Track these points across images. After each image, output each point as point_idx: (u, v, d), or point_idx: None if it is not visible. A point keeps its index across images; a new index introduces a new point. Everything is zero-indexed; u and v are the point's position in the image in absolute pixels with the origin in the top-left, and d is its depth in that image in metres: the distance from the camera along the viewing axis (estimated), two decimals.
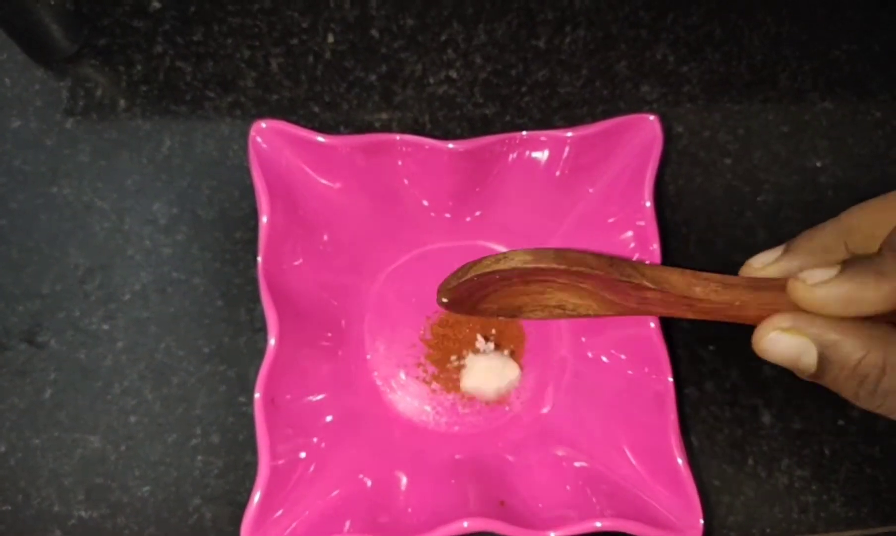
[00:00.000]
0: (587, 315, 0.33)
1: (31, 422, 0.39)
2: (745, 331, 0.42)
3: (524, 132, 0.37)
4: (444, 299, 0.34)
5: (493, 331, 0.40)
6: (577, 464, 0.37)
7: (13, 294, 0.40)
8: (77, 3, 0.44)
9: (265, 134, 0.36)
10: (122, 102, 0.43)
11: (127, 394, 0.39)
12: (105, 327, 0.40)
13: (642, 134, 0.36)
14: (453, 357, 0.40)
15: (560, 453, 0.37)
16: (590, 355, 0.39)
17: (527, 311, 0.34)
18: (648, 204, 0.36)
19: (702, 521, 0.33)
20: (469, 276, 0.32)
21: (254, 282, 0.41)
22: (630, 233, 0.37)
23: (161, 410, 0.39)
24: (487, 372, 0.38)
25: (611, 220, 0.38)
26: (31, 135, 0.43)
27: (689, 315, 0.32)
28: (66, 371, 0.39)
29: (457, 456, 0.38)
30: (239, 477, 0.38)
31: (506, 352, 0.40)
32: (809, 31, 0.47)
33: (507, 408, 0.39)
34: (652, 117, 0.36)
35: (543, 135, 0.37)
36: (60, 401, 0.39)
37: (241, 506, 0.38)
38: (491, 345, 0.40)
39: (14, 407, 0.39)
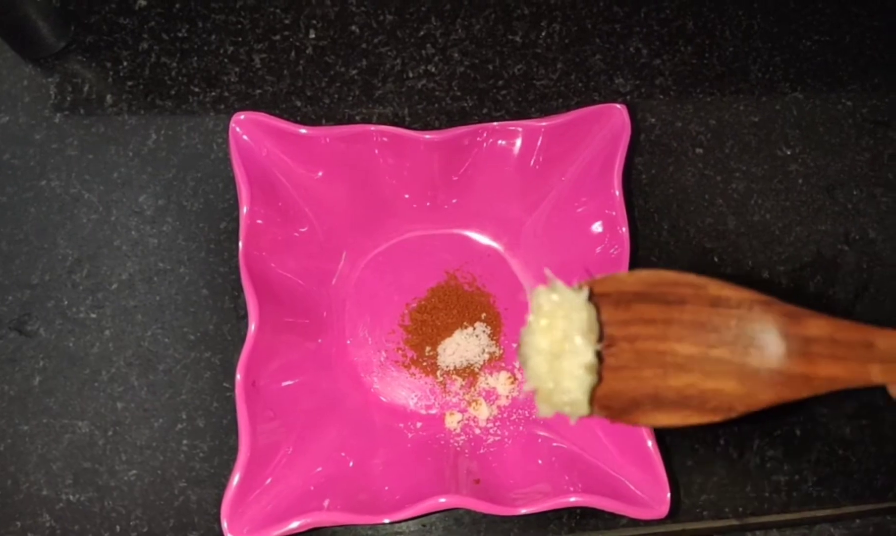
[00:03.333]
0: (723, 417, 0.26)
1: (20, 409, 0.40)
2: None
3: (496, 123, 0.38)
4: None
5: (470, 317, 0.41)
6: (550, 443, 0.38)
7: (2, 285, 0.41)
8: (64, 0, 0.45)
9: (245, 125, 0.37)
10: (108, 98, 0.44)
11: (114, 381, 0.40)
12: (93, 315, 0.41)
13: (612, 122, 0.37)
14: (428, 348, 0.41)
15: (533, 432, 0.38)
16: None
17: (644, 409, 0.26)
18: (618, 191, 0.37)
19: (668, 495, 0.34)
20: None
21: (238, 271, 0.42)
22: (601, 219, 0.38)
23: (147, 396, 0.40)
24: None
25: (581, 208, 0.39)
26: (20, 130, 0.44)
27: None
28: (54, 359, 0.40)
29: (433, 437, 0.39)
30: (224, 461, 0.39)
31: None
32: (780, 23, 0.49)
33: (483, 390, 0.40)
34: (620, 106, 0.37)
35: (516, 124, 0.38)
36: (49, 388, 0.40)
37: (226, 488, 0.39)
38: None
39: (4, 394, 0.40)
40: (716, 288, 0.25)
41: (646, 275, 0.26)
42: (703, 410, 0.25)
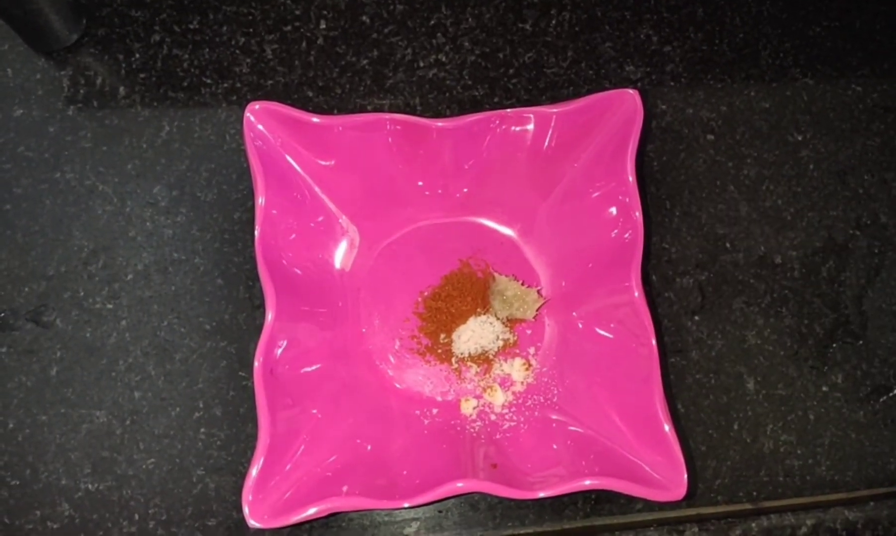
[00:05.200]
0: None
1: (38, 399, 0.40)
2: (729, 302, 0.43)
3: (509, 110, 0.38)
4: None
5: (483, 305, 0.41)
6: (566, 427, 0.38)
7: (19, 276, 0.42)
8: None
9: (259, 115, 0.37)
10: (121, 90, 0.44)
11: (131, 370, 0.40)
12: (109, 306, 0.41)
13: (624, 108, 0.38)
14: (442, 336, 0.41)
15: (549, 417, 0.39)
16: (579, 324, 0.40)
17: None
18: (631, 177, 0.37)
19: (686, 477, 0.34)
20: None
21: (252, 261, 0.42)
22: (615, 205, 0.38)
23: (164, 385, 0.40)
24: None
25: (597, 192, 0.39)
26: (34, 123, 0.44)
27: None
28: (71, 349, 0.41)
29: (449, 423, 0.39)
30: (241, 449, 0.40)
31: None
32: (790, 9, 0.49)
33: (498, 376, 0.41)
34: (632, 91, 0.37)
35: (528, 111, 0.38)
36: (67, 378, 0.40)
37: (244, 476, 0.39)
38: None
39: (22, 385, 0.40)
40: None
41: None
42: None
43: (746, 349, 0.43)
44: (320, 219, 0.40)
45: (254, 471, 0.33)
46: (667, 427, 0.35)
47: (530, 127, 0.39)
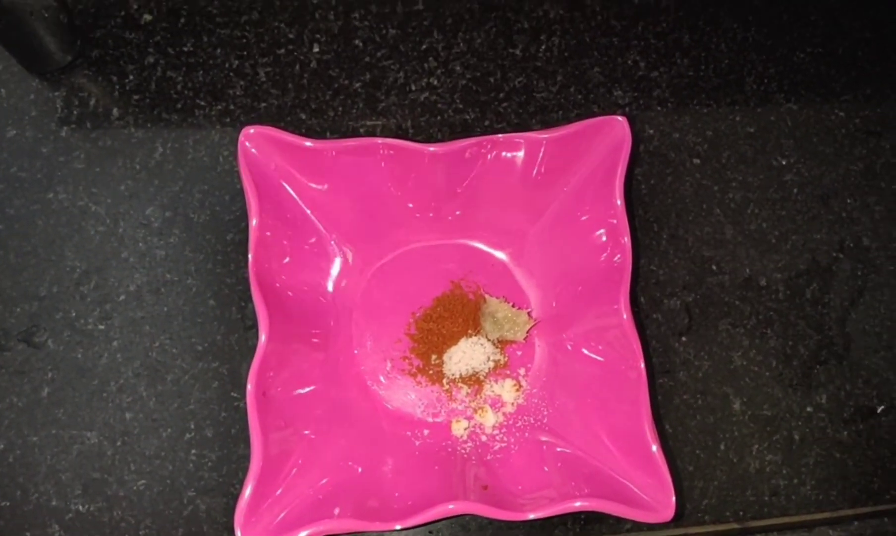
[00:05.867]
0: None
1: (29, 420, 0.40)
2: (715, 324, 0.44)
3: (500, 135, 0.39)
4: None
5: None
6: (556, 449, 0.38)
7: (11, 297, 0.42)
8: (70, 15, 0.45)
9: (254, 139, 0.37)
10: (115, 111, 0.45)
11: (123, 391, 0.41)
12: (101, 327, 0.41)
13: (613, 134, 0.38)
14: (434, 357, 0.41)
15: (539, 438, 0.39)
16: (568, 345, 0.41)
17: None
18: (619, 201, 0.38)
19: (674, 499, 0.35)
20: None
21: (245, 282, 0.42)
22: (603, 228, 0.39)
23: (156, 406, 0.40)
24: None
25: (586, 216, 0.39)
26: (27, 143, 0.44)
27: None
28: (63, 370, 0.41)
29: (440, 444, 0.39)
30: (232, 470, 0.40)
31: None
32: (774, 36, 0.50)
33: (489, 397, 0.41)
34: (621, 118, 0.38)
35: (519, 137, 0.39)
36: (58, 399, 0.40)
37: (235, 497, 0.39)
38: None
39: (13, 406, 0.40)
40: None
41: None
42: None
43: (732, 370, 0.44)
44: (313, 241, 0.40)
45: (246, 493, 0.34)
46: (655, 449, 0.36)
47: (521, 152, 0.39)
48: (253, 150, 0.37)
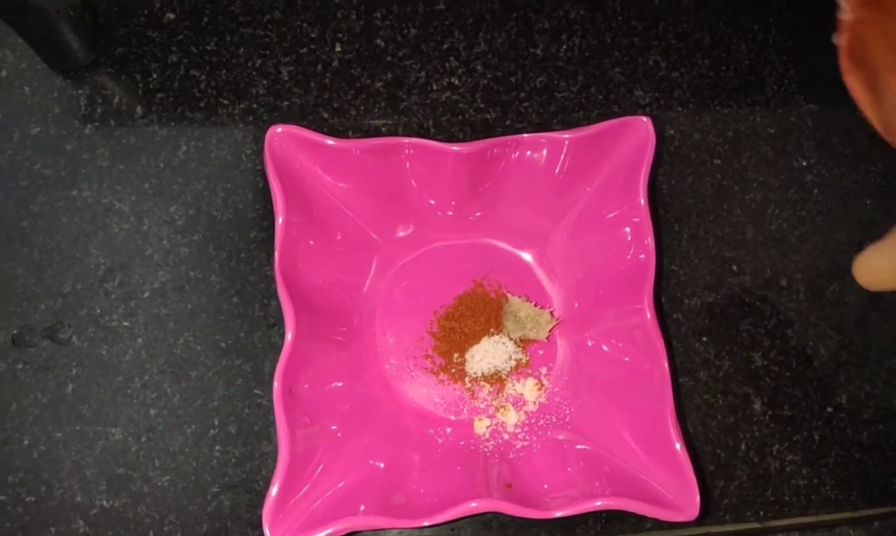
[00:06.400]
0: None
1: (53, 416, 0.40)
2: (736, 324, 0.44)
3: (525, 134, 0.39)
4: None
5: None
6: (578, 447, 0.38)
7: (35, 293, 0.42)
8: (94, 14, 0.46)
9: (280, 139, 0.38)
10: (138, 109, 0.45)
11: (147, 388, 0.41)
12: (125, 323, 0.42)
13: (636, 135, 0.38)
14: (456, 355, 0.41)
15: (561, 437, 0.39)
16: (590, 344, 0.41)
17: None
18: (643, 201, 0.38)
19: (698, 498, 0.35)
20: None
21: (267, 279, 0.43)
22: (627, 228, 0.39)
23: (180, 402, 0.41)
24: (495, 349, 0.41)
25: (609, 215, 0.40)
26: (51, 140, 0.44)
27: None
28: (87, 367, 0.41)
29: (462, 442, 0.40)
30: (255, 466, 0.40)
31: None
32: (794, 36, 0.50)
33: (511, 396, 0.41)
34: (645, 119, 0.38)
35: (543, 137, 0.39)
36: (82, 395, 0.41)
37: (258, 493, 0.40)
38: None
39: (37, 402, 0.40)
40: None
41: None
42: None
43: (753, 370, 0.44)
44: (338, 240, 0.40)
45: (274, 490, 0.34)
46: (680, 448, 0.36)
47: (544, 152, 0.40)
48: (279, 149, 0.38)
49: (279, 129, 0.37)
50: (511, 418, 0.40)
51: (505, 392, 0.41)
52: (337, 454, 0.36)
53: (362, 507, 0.35)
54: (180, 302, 0.42)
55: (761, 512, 0.42)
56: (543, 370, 0.42)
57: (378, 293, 0.42)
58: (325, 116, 0.46)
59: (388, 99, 0.46)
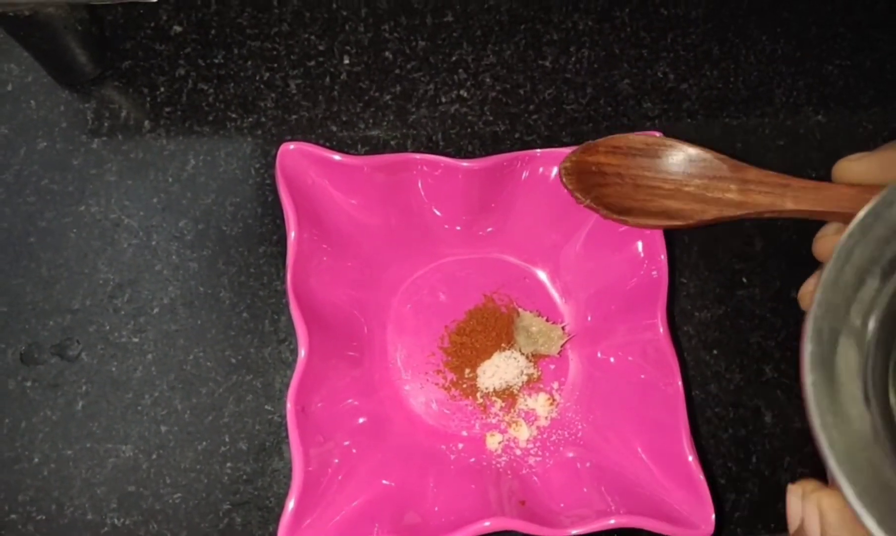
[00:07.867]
0: (685, 224, 0.37)
1: (63, 434, 0.40)
2: (746, 337, 0.44)
3: (538, 150, 0.39)
4: (566, 166, 0.38)
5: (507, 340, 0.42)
6: (591, 463, 0.38)
7: (44, 310, 0.42)
8: (101, 27, 0.45)
9: (292, 155, 0.37)
10: (146, 123, 0.45)
11: (157, 404, 0.41)
12: (135, 339, 0.41)
13: None
14: (467, 371, 0.41)
15: (573, 453, 0.39)
16: (602, 358, 0.41)
17: (635, 215, 0.38)
18: None
19: (713, 515, 0.35)
20: (586, 146, 0.38)
21: (277, 294, 0.42)
22: (639, 243, 0.39)
23: (191, 419, 0.41)
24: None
25: (621, 230, 0.39)
26: (58, 155, 0.44)
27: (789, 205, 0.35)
28: (97, 383, 0.41)
29: (474, 458, 0.40)
30: (267, 483, 0.40)
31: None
32: (803, 48, 0.50)
33: (522, 411, 0.41)
34: (658, 134, 0.38)
35: (555, 152, 0.39)
36: (92, 412, 0.40)
37: (270, 510, 0.40)
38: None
39: (47, 419, 0.40)
40: (691, 148, 0.37)
41: (645, 138, 0.38)
42: (674, 219, 0.37)
43: (764, 383, 0.44)
44: (349, 255, 0.40)
45: (289, 509, 0.34)
46: (694, 464, 0.36)
47: (556, 167, 0.39)
48: (291, 166, 0.37)
49: (291, 146, 0.37)
50: (523, 433, 0.40)
51: (517, 408, 0.41)
52: (351, 472, 0.36)
53: (376, 527, 0.35)
54: (190, 318, 0.42)
55: (772, 525, 0.42)
56: (555, 386, 0.42)
57: (389, 309, 0.42)
58: (334, 129, 0.45)
59: (397, 112, 0.46)
